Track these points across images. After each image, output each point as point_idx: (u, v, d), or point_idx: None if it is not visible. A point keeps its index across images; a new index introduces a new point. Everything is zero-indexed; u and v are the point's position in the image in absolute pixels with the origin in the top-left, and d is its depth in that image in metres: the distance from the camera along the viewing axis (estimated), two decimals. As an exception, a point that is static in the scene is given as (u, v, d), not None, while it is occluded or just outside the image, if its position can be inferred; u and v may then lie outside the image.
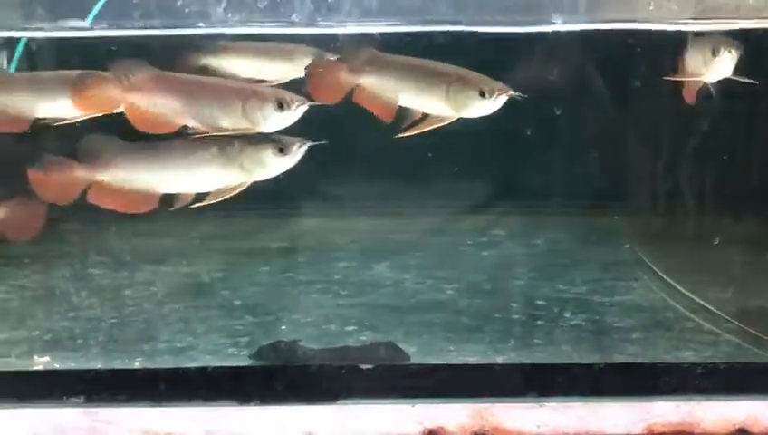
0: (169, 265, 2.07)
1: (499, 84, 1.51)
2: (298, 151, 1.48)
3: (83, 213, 2.34)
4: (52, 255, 2.14)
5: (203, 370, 1.38)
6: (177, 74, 1.52)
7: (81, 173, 1.49)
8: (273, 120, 1.46)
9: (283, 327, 1.65)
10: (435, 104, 1.53)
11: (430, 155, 2.29)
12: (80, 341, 1.58)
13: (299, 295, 1.84)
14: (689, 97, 1.66)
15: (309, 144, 1.48)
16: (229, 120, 1.47)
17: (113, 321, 1.68)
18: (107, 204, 1.52)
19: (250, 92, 1.47)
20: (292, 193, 2.38)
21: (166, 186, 1.51)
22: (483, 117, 1.75)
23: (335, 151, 2.13)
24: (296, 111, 1.46)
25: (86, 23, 1.73)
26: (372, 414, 1.36)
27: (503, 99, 1.49)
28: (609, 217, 2.28)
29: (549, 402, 1.36)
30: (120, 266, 2.06)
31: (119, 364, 1.47)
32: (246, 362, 1.48)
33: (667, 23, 1.60)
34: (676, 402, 1.36)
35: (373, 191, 2.34)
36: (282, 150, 1.48)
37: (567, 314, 1.66)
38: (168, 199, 1.56)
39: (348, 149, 2.11)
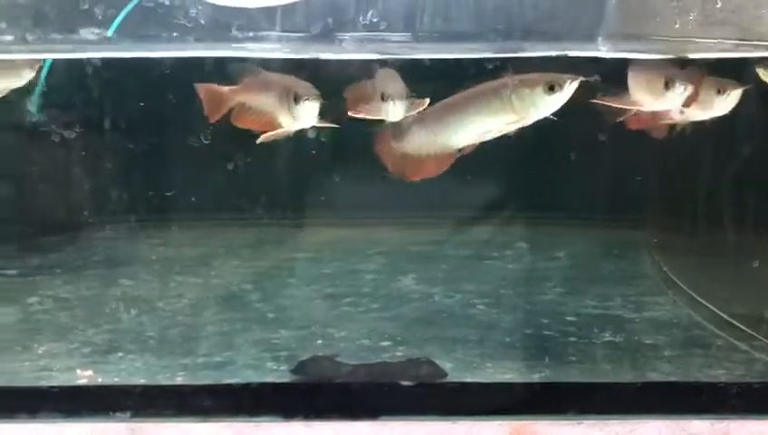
0: (198, 275, 2.09)
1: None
2: (569, 87, 1.45)
3: (106, 222, 2.41)
4: (80, 265, 2.17)
5: (247, 385, 1.41)
6: None
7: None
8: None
9: (319, 341, 1.67)
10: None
11: (452, 166, 2.34)
12: (119, 354, 1.60)
13: (330, 309, 1.86)
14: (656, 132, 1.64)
15: (580, 79, 1.45)
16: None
17: (150, 334, 1.70)
18: (414, 175, 1.57)
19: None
20: (312, 203, 2.43)
21: (458, 141, 1.53)
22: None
23: (357, 162, 2.20)
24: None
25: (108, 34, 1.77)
26: (412, 431, 1.39)
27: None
28: (630, 230, 2.32)
29: (587, 420, 1.39)
30: (150, 277, 2.10)
31: (161, 379, 1.49)
32: (287, 377, 1.51)
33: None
34: (711, 421, 1.40)
35: (395, 202, 2.37)
36: (552, 88, 1.46)
37: (598, 331, 1.68)
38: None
39: (369, 160, 2.15)
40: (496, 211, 2.36)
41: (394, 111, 1.47)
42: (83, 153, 2.22)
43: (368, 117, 1.52)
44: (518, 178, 2.35)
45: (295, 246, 2.33)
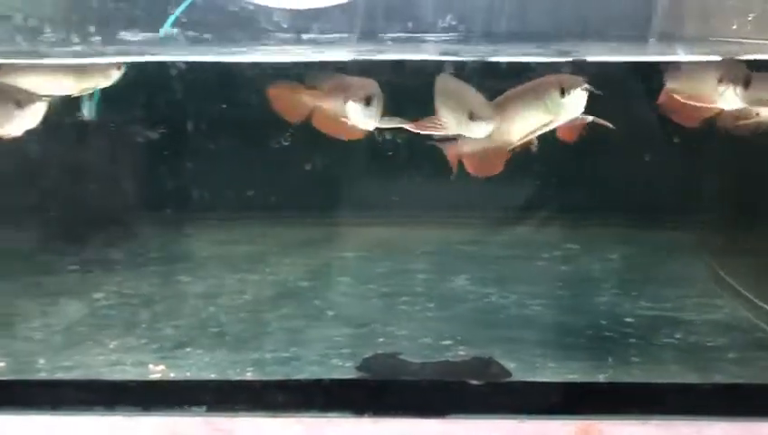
0: (255, 272, 2.13)
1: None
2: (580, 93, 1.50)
3: (160, 219, 2.46)
4: (139, 261, 2.22)
5: (318, 381, 1.44)
6: None
7: None
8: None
9: (381, 339, 1.70)
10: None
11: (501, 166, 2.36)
12: (188, 349, 1.64)
13: (388, 307, 1.88)
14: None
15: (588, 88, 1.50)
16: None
17: (215, 330, 1.74)
18: (477, 171, 1.64)
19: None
20: (360, 202, 2.46)
21: (513, 138, 1.58)
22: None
23: (405, 162, 2.22)
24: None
25: (160, 34, 1.80)
26: (479, 430, 1.41)
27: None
28: (682, 232, 2.32)
29: (653, 420, 1.40)
30: (207, 273, 2.14)
31: (232, 374, 1.53)
32: (353, 374, 1.54)
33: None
34: (780, 424, 1.40)
35: (441, 201, 2.39)
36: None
37: (658, 332, 1.69)
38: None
39: (418, 160, 2.17)
40: (544, 211, 2.39)
41: (482, 131, 1.50)
42: (142, 151, 2.29)
43: (437, 133, 1.55)
44: (567, 177, 2.37)
45: (345, 245, 2.36)
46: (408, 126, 1.59)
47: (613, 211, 2.30)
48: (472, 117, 1.49)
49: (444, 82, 1.61)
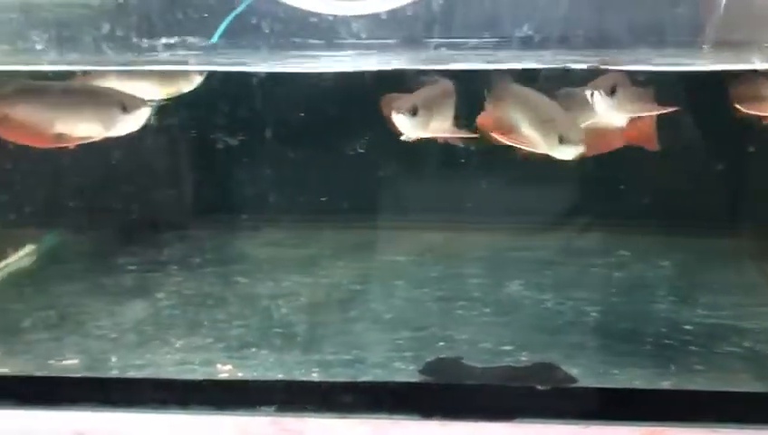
0: (309, 275, 2.15)
1: None
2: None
3: (213, 221, 2.50)
4: (196, 262, 2.26)
5: (386, 383, 1.46)
6: None
7: None
8: None
9: (441, 343, 1.72)
10: None
11: (550, 171, 2.36)
12: (253, 349, 1.67)
13: (445, 312, 1.90)
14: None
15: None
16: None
17: (278, 331, 1.76)
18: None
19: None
20: (411, 206, 2.48)
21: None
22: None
23: (455, 166, 2.23)
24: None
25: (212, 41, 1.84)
26: (545, 433, 1.43)
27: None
28: (731, 239, 2.32)
29: (721, 428, 1.40)
30: (262, 275, 2.17)
31: (298, 375, 1.55)
32: (417, 377, 1.55)
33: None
34: None
35: (494, 206, 2.41)
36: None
37: (719, 340, 1.69)
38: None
39: (468, 164, 2.19)
40: (593, 217, 2.39)
41: (571, 155, 1.55)
42: (197, 154, 2.33)
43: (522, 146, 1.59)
44: (616, 184, 2.37)
45: (395, 249, 2.38)
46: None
47: (663, 218, 2.31)
48: (562, 140, 1.52)
49: (517, 92, 1.63)
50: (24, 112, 1.61)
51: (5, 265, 2.11)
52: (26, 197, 2.15)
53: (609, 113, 1.67)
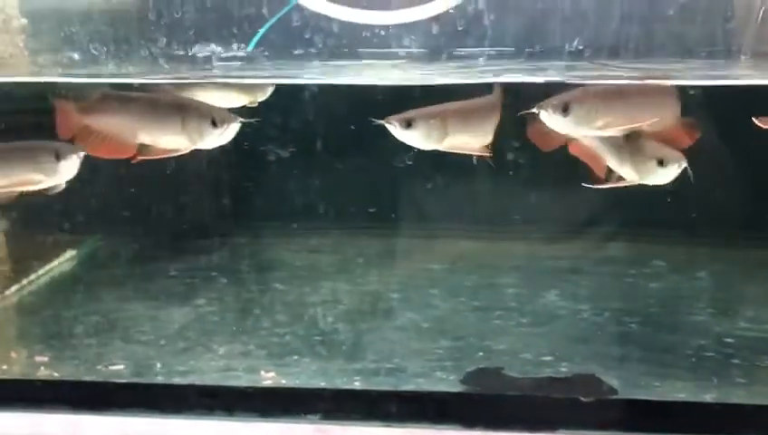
0: (346, 282, 2.18)
1: None
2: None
3: (252, 229, 2.53)
4: (232, 269, 2.29)
5: (431, 393, 1.47)
6: None
7: None
8: None
9: (480, 354, 1.73)
10: None
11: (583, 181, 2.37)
12: (295, 357, 1.69)
13: (482, 321, 1.91)
14: None
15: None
16: None
17: (318, 338, 1.78)
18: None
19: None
20: (439, 215, 2.49)
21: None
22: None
23: (487, 176, 2.24)
24: None
25: (248, 48, 1.86)
26: (588, 445, 1.43)
27: None
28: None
29: (766, 443, 1.40)
30: (300, 282, 2.19)
31: (340, 383, 1.57)
32: (458, 387, 1.56)
33: None
34: None
35: (528, 215, 2.41)
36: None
37: (761, 354, 1.69)
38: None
39: (505, 175, 2.20)
40: (627, 228, 2.39)
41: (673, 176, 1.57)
42: (233, 162, 2.36)
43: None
44: (649, 194, 2.37)
45: (428, 258, 2.39)
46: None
47: (697, 228, 2.30)
48: (662, 163, 1.55)
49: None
50: (106, 123, 1.63)
51: (48, 270, 2.16)
52: (65, 202, 2.20)
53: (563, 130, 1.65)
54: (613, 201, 2.36)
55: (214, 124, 1.60)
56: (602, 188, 1.73)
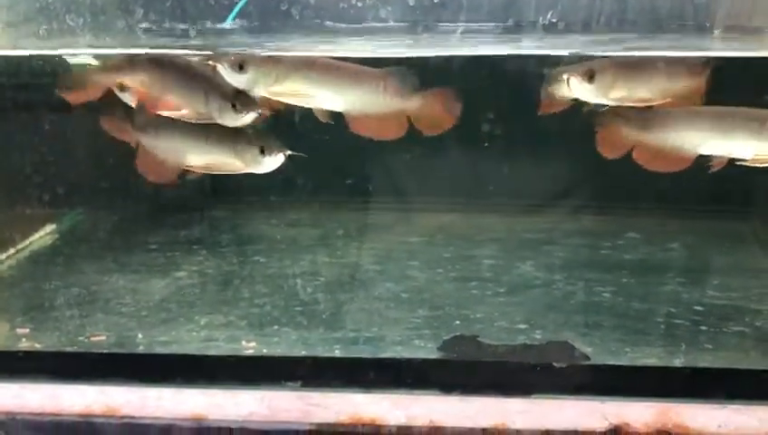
0: (325, 255, 2.20)
1: None
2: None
3: (231, 203, 2.54)
4: (214, 241, 2.30)
5: (409, 360, 1.50)
6: None
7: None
8: None
9: (457, 322, 1.76)
10: None
11: (559, 154, 2.39)
12: (275, 327, 1.71)
13: (459, 291, 1.94)
14: None
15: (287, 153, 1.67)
16: None
17: (298, 309, 1.81)
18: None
19: None
20: (416, 188, 2.51)
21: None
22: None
23: (469, 150, 2.26)
24: None
25: (227, 23, 1.87)
26: (562, 409, 1.47)
27: None
28: (738, 222, 2.35)
29: (731, 405, 1.45)
30: (280, 255, 2.21)
31: (321, 351, 1.60)
32: (435, 354, 1.60)
33: None
34: None
35: (503, 188, 2.44)
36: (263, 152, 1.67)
37: (729, 321, 1.74)
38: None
39: (481, 148, 2.22)
40: (601, 201, 2.43)
41: None
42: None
43: None
44: (623, 168, 2.41)
45: (407, 231, 2.42)
46: None
47: (671, 202, 2.34)
48: None
49: None
50: (152, 144, 1.68)
51: (28, 244, 2.16)
52: (46, 177, 2.20)
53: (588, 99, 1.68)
54: (587, 175, 2.41)
55: (262, 152, 1.66)
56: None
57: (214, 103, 1.64)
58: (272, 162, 1.67)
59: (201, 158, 1.71)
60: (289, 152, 1.66)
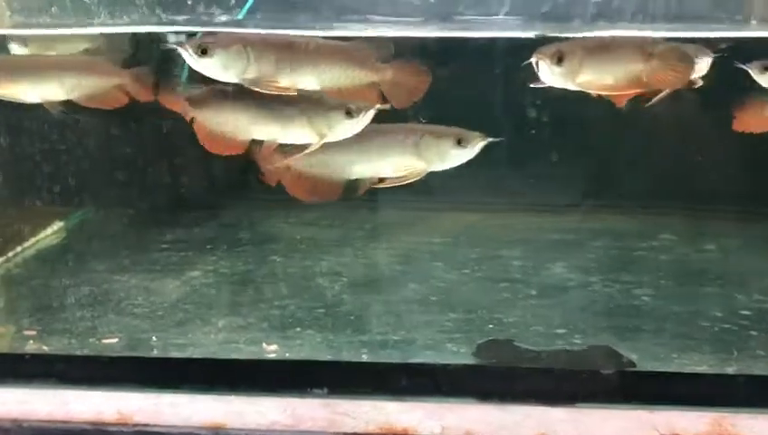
0: (346, 255, 2.10)
1: None
2: (476, 146, 1.54)
3: (246, 200, 2.44)
4: (229, 240, 2.21)
5: (445, 366, 1.40)
6: None
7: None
8: None
9: (490, 326, 1.66)
10: None
11: (590, 152, 2.30)
12: (297, 329, 1.61)
13: (489, 293, 1.84)
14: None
15: (487, 140, 1.54)
16: None
17: (321, 311, 1.71)
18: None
19: None
20: (445, 188, 2.42)
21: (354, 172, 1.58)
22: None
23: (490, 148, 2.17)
24: None
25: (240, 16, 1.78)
26: (609, 419, 1.36)
27: None
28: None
29: (791, 415, 1.35)
30: (299, 255, 2.11)
31: (347, 356, 1.50)
32: (470, 360, 1.50)
33: None
34: None
35: (529, 187, 2.35)
36: (460, 143, 1.53)
37: (777, 326, 1.64)
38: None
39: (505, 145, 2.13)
40: (633, 200, 2.33)
41: None
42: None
43: None
44: (654, 168, 2.31)
45: (428, 231, 2.33)
46: None
47: (704, 202, 2.25)
48: None
49: None
50: (216, 119, 1.53)
51: (35, 242, 2.07)
52: (53, 174, 2.11)
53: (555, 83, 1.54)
54: (618, 174, 2.32)
55: (349, 114, 1.51)
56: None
57: (319, 119, 1.51)
58: (359, 123, 1.51)
59: (268, 129, 1.55)
60: (378, 106, 1.51)
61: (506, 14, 1.44)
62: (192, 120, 1.56)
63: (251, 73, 1.49)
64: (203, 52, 1.46)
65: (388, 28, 1.53)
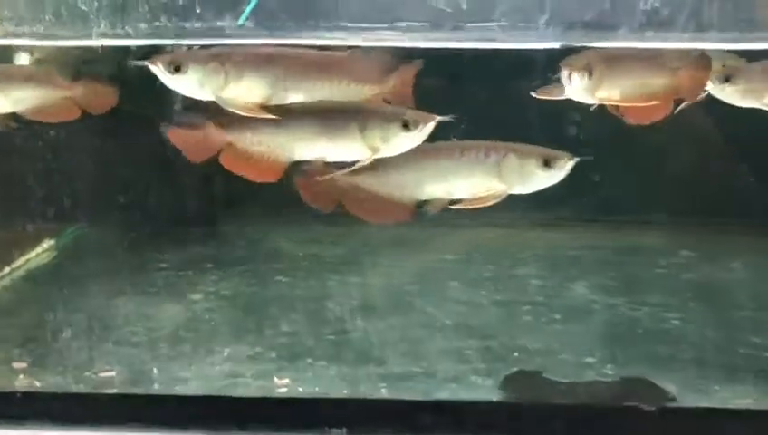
0: (356, 275, 1.99)
1: None
2: (564, 168, 1.40)
3: (246, 217, 2.33)
4: (230, 259, 2.09)
5: (473, 404, 1.30)
6: None
7: None
8: None
9: (515, 354, 1.56)
10: None
11: (608, 166, 2.21)
12: (308, 360, 1.50)
13: (510, 318, 1.74)
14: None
15: (575, 160, 1.40)
16: None
17: (332, 338, 1.60)
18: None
19: None
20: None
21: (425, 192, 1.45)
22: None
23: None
24: None
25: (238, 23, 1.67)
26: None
27: None
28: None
29: None
30: (305, 274, 2.00)
31: (363, 390, 1.39)
32: (496, 394, 1.39)
33: None
34: None
35: (540, 202, 2.25)
36: (547, 163, 1.40)
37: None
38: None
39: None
40: (650, 215, 2.24)
41: None
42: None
43: None
44: (681, 181, 2.22)
45: (440, 247, 2.22)
46: None
47: (723, 216, 2.16)
48: None
49: None
50: (251, 141, 1.36)
51: (26, 262, 1.95)
52: (46, 189, 1.99)
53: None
54: (632, 187, 2.23)
55: (406, 127, 1.35)
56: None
57: (373, 131, 1.36)
58: (417, 137, 1.36)
59: (315, 145, 1.39)
60: (438, 118, 1.35)
61: (545, 23, 1.34)
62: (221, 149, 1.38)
63: (229, 92, 1.34)
64: (176, 69, 1.32)
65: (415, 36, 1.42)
